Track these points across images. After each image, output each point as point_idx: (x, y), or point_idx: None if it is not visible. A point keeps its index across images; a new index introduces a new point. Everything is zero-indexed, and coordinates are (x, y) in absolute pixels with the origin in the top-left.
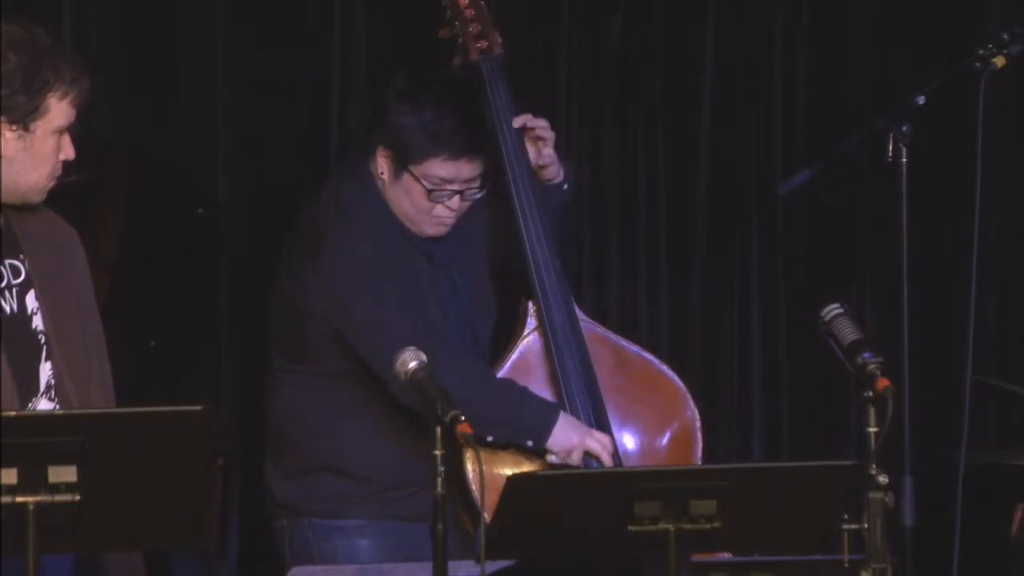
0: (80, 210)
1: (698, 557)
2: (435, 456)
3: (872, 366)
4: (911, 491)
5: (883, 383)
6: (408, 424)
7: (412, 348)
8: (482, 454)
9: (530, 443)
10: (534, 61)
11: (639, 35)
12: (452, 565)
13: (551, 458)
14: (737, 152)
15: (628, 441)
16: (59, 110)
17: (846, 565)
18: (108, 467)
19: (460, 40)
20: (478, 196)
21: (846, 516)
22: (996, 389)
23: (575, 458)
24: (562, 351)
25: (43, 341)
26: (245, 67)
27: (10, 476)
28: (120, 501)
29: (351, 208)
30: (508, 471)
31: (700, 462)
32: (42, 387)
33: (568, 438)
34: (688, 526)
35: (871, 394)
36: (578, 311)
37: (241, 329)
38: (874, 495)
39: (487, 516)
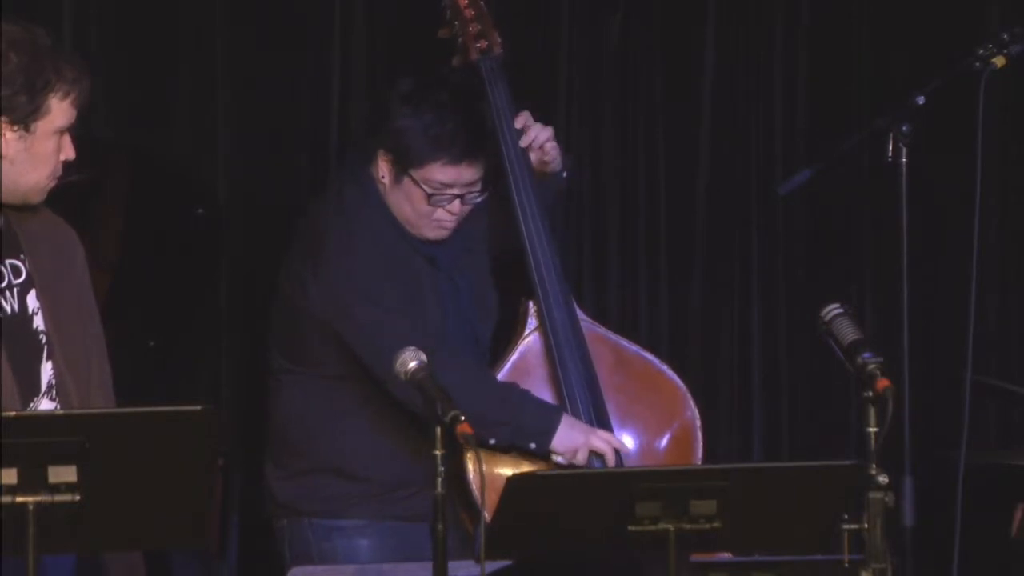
0: (80, 210)
1: (698, 557)
2: (435, 456)
3: (872, 366)
4: (911, 491)
5: (883, 383)
6: (408, 424)
7: (412, 348)
8: (482, 454)
9: (533, 446)
10: (534, 61)
11: (639, 35)
12: (452, 565)
13: (557, 459)
14: (737, 152)
15: (628, 441)
16: (60, 110)
17: (846, 565)
18: (108, 467)
19: (460, 40)
20: (479, 200)
21: (846, 516)
22: (996, 389)
23: (581, 458)
24: (562, 351)
25: (44, 341)
26: (245, 67)
27: (10, 476)
28: (120, 501)
29: (351, 209)
30: (508, 471)
31: (700, 462)
32: (43, 387)
33: (573, 439)
34: (688, 526)
35: (871, 394)
36: (578, 311)
37: (241, 329)
38: (874, 495)
39: (487, 516)
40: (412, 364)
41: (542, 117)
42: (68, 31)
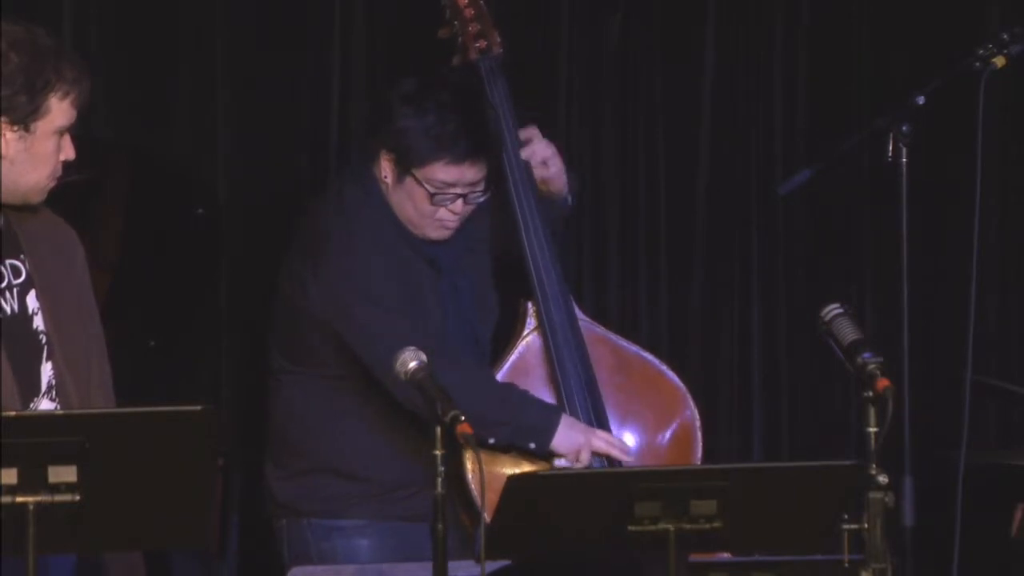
0: (80, 210)
1: (698, 557)
2: (435, 456)
3: (872, 366)
4: (911, 491)
5: (883, 383)
6: (408, 424)
7: (412, 348)
8: (482, 454)
9: (532, 445)
10: (534, 61)
11: (639, 35)
12: (452, 565)
13: (560, 461)
14: (737, 152)
15: (628, 441)
16: (60, 110)
17: (846, 565)
18: (108, 467)
19: (459, 40)
20: (481, 200)
21: (846, 516)
22: (996, 389)
23: (583, 458)
24: (562, 351)
25: (44, 341)
26: (245, 67)
27: (10, 476)
28: (120, 501)
29: (352, 209)
30: (508, 471)
31: (700, 462)
32: (43, 387)
33: (573, 440)
34: (688, 526)
35: (871, 394)
36: (578, 311)
37: (241, 329)
38: (874, 495)
39: (487, 516)
40: (412, 364)
41: (542, 117)
42: (68, 31)
